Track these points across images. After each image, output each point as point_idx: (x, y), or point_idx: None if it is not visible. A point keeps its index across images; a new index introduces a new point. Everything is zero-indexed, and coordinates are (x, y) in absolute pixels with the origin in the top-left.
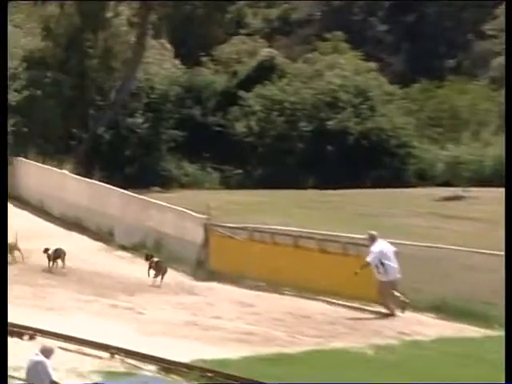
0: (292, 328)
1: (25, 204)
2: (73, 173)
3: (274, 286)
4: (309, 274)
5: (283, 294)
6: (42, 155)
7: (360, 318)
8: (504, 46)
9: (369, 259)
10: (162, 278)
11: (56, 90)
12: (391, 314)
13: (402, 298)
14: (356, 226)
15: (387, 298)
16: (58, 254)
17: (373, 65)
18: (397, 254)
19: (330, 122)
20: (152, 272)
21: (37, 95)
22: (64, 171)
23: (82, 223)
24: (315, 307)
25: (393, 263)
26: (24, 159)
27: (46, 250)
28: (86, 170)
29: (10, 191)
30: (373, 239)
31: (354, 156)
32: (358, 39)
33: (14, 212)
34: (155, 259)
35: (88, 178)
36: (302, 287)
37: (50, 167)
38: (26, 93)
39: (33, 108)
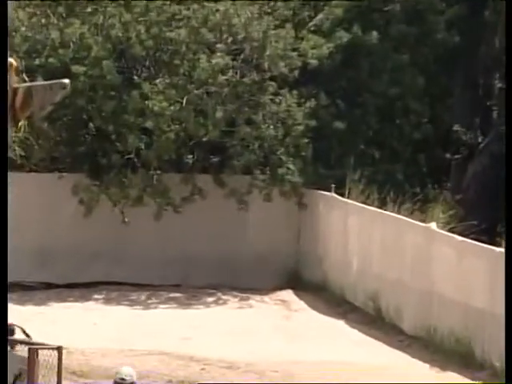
0: None
1: (339, 304)
2: (449, 229)
3: None
4: None
5: None
6: (378, 187)
7: None
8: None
9: None
10: None
11: (398, 33)
12: None
13: None
14: None
15: None
16: None
17: None
18: None
19: None
20: None
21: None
22: (430, 225)
23: (472, 351)
24: None
25: None
26: (337, 196)
27: None
28: (482, 220)
29: (307, 274)
30: None
31: None
32: None
33: (319, 322)
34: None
35: (487, 241)
36: None
37: (395, 215)
38: (339, 35)
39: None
